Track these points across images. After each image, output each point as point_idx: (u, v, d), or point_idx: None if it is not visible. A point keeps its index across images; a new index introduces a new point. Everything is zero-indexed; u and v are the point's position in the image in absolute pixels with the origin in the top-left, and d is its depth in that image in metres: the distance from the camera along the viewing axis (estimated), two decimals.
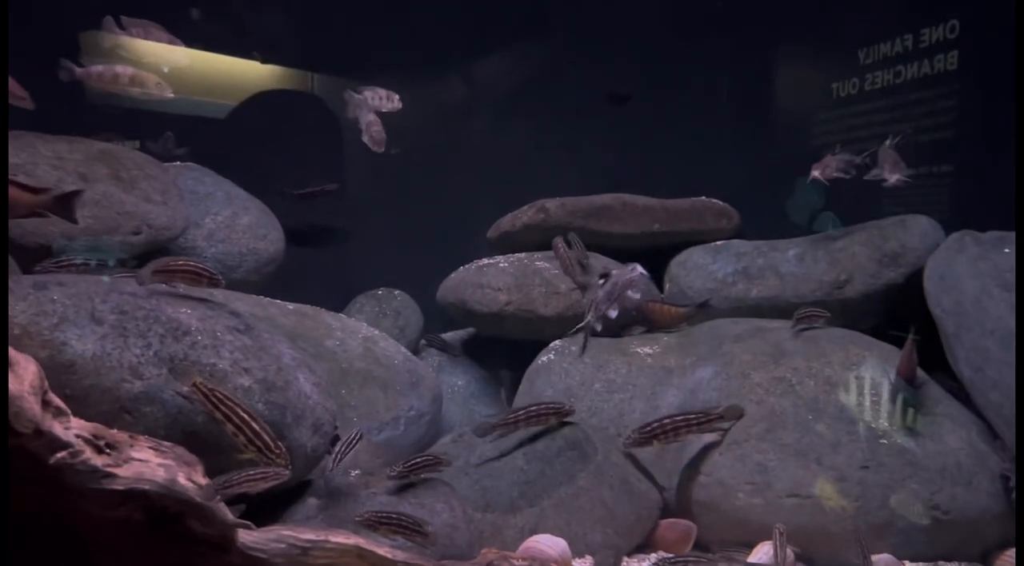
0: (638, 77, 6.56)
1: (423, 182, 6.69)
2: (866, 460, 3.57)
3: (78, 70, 3.20)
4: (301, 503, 2.82)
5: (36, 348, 2.30)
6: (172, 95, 3.43)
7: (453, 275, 5.55)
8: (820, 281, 4.79)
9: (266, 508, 2.78)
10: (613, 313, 4.59)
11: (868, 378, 3.90)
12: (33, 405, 1.93)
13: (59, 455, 2.07)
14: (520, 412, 3.77)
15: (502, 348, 5.64)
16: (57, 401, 2.03)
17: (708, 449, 3.80)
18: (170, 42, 3.00)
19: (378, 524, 2.62)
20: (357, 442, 2.99)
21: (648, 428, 3.74)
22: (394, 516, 2.65)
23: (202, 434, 2.43)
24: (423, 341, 6.00)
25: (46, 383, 1.99)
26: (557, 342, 4.93)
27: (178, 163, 5.20)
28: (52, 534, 2.25)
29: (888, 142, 4.55)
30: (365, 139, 4.26)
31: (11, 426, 1.90)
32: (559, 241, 5.27)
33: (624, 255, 5.32)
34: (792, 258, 4.98)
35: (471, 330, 6.00)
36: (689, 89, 6.66)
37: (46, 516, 2.21)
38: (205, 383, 2.37)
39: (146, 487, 2.18)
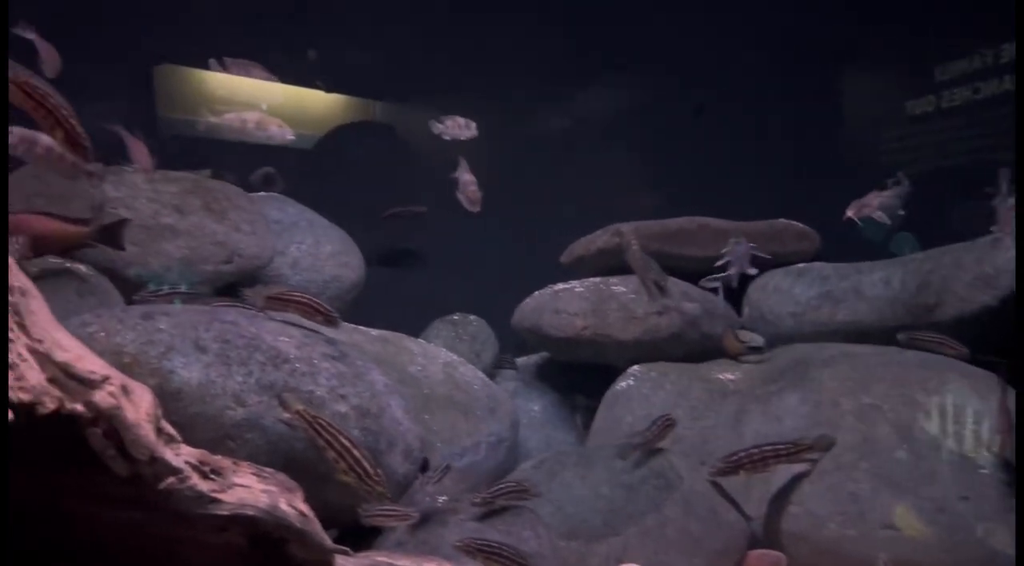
0: (713, 97, 6.53)
1: (496, 207, 6.76)
2: (965, 491, 3.45)
3: (213, 119, 3.37)
4: (391, 529, 2.86)
5: (145, 376, 2.39)
6: (293, 137, 3.57)
7: (528, 300, 5.58)
8: (909, 304, 4.66)
9: (357, 533, 2.83)
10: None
11: (964, 406, 3.78)
12: (149, 433, 2.01)
13: (168, 481, 2.15)
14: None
15: (577, 373, 5.63)
16: (169, 428, 2.11)
17: (797, 478, 3.72)
18: (268, 79, 3.14)
19: (478, 552, 2.64)
20: (447, 472, 3.02)
21: (735, 458, 3.68)
22: (495, 545, 2.67)
23: (301, 460, 2.50)
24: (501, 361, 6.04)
25: (160, 411, 2.07)
26: (636, 367, 4.91)
27: (263, 193, 5.36)
28: (154, 560, 2.33)
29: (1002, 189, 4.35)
30: (461, 198, 4.33)
31: (129, 453, 1.98)
32: (632, 237, 5.19)
33: (699, 278, 5.27)
34: (878, 281, 4.87)
35: (545, 355, 6.01)
36: (764, 109, 6.60)
37: (148, 541, 2.29)
38: (308, 410, 2.43)
39: (249, 512, 2.24)
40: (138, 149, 3.42)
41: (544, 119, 7.15)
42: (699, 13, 6.55)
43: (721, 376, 4.66)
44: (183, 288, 3.51)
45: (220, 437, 2.44)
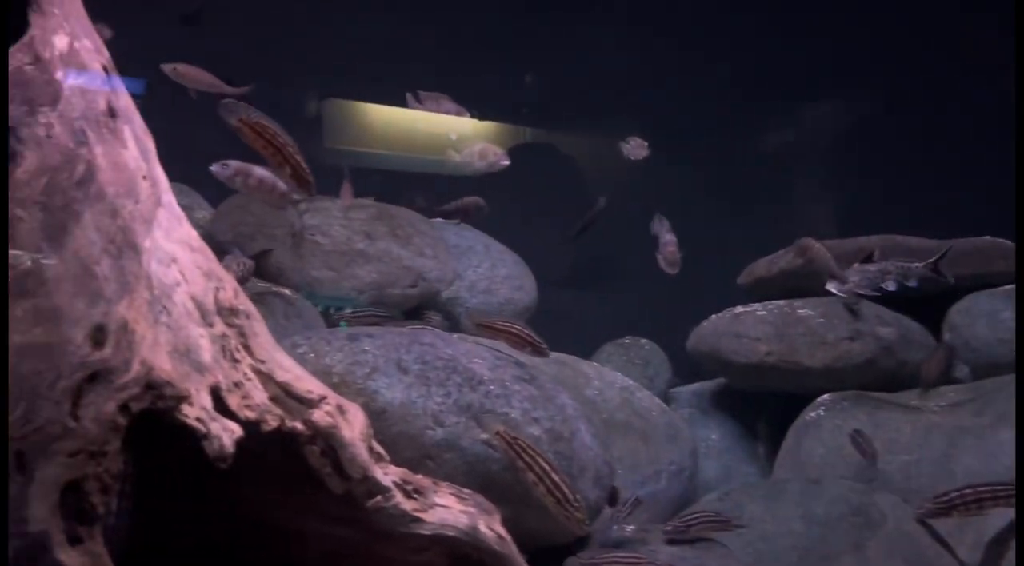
0: (906, 107, 6.20)
1: (678, 222, 6.68)
2: None
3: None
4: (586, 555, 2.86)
5: (352, 396, 2.53)
6: (508, 163, 3.72)
7: (705, 323, 5.45)
8: None
9: (547, 561, 2.85)
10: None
11: None
12: (363, 452, 2.11)
13: (375, 499, 2.24)
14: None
15: (758, 401, 5.45)
16: (378, 447, 2.21)
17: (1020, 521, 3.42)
18: (458, 113, 3.28)
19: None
20: (637, 506, 3.00)
21: (946, 498, 3.42)
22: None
23: (497, 482, 2.55)
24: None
25: (371, 430, 2.17)
26: (826, 396, 4.69)
27: (440, 220, 5.55)
28: None
29: None
30: (659, 258, 4.30)
31: (344, 471, 2.09)
32: (810, 242, 4.98)
33: (892, 302, 4.98)
34: None
35: (721, 381, 5.85)
36: (965, 116, 6.18)
37: (357, 560, 2.40)
38: (508, 431, 2.48)
39: (450, 533, 2.31)
40: (346, 186, 3.69)
41: (722, 138, 7.01)
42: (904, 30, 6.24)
43: (923, 405, 4.37)
44: (373, 311, 3.69)
45: (420, 457, 2.54)
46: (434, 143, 4.24)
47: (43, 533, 1.61)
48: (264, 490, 2.28)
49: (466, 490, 2.41)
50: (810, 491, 3.73)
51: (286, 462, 2.17)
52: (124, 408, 1.73)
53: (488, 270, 5.31)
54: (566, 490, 2.47)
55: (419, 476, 2.40)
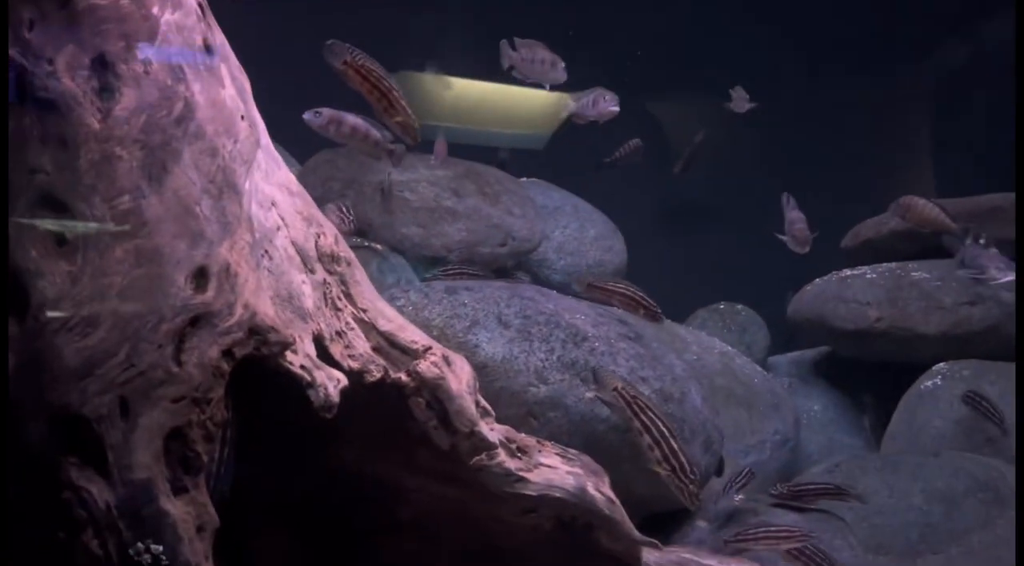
0: None
1: (765, 185, 6.44)
2: None
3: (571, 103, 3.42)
4: (690, 525, 2.75)
5: (452, 350, 2.45)
6: (618, 109, 3.56)
7: (809, 288, 5.23)
8: None
9: (652, 527, 2.74)
10: None
11: None
12: (470, 405, 2.03)
13: (478, 457, 2.17)
14: None
15: (863, 370, 5.22)
16: (484, 402, 2.13)
17: None
18: (553, 62, 3.14)
19: (797, 556, 2.46)
20: (750, 479, 2.87)
21: None
22: (812, 551, 2.47)
23: (603, 444, 2.45)
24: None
25: (477, 383, 2.09)
26: (943, 365, 4.45)
27: (525, 178, 5.44)
28: (467, 538, 2.36)
29: None
30: (787, 238, 4.19)
31: (452, 425, 2.01)
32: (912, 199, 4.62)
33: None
34: None
35: (824, 349, 5.62)
36: None
37: (462, 520, 2.33)
38: (628, 388, 2.36)
39: (557, 494, 2.22)
40: (440, 143, 3.67)
41: (825, 87, 6.67)
42: None
43: None
44: (465, 268, 3.61)
45: (523, 415, 2.45)
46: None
47: (147, 481, 1.58)
48: (365, 444, 2.23)
49: (572, 450, 2.31)
50: (929, 464, 3.53)
51: (389, 415, 2.11)
52: (228, 353, 1.68)
53: (577, 231, 5.18)
54: (683, 459, 2.33)
55: (523, 435, 2.31)
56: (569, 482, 2.23)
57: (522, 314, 2.60)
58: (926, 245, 4.94)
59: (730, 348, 4.72)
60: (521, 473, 2.21)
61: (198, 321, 1.66)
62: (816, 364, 5.60)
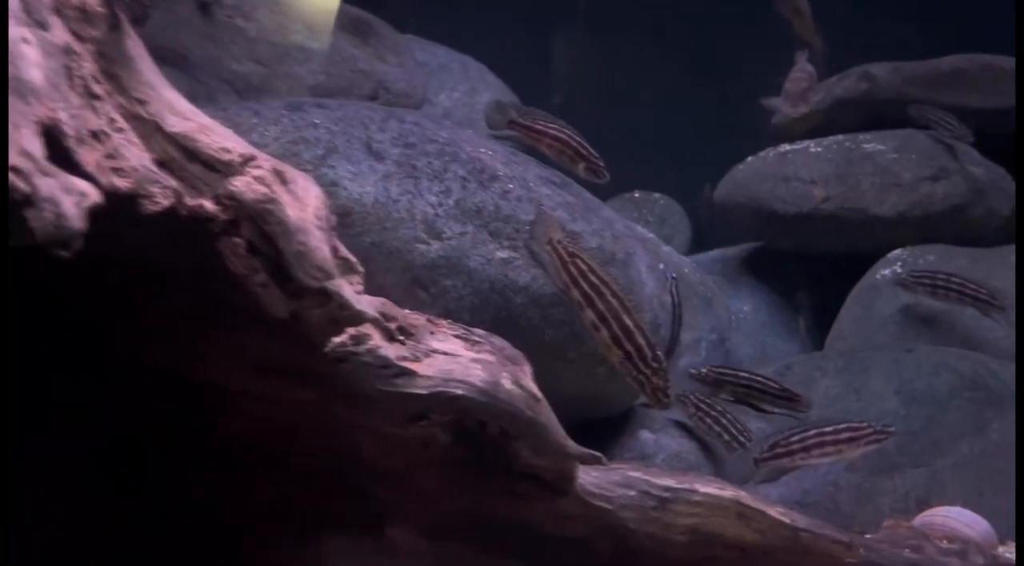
0: None
1: (683, 54, 5.92)
2: None
3: None
4: (631, 436, 2.20)
5: None
6: None
7: (741, 167, 4.76)
8: None
9: (583, 438, 2.19)
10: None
11: None
12: (322, 245, 1.36)
13: (339, 338, 1.52)
14: None
15: (798, 266, 4.85)
16: (344, 250, 1.47)
17: None
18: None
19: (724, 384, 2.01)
20: None
21: None
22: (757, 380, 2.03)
23: (521, 323, 1.83)
24: None
25: (332, 216, 1.42)
26: (901, 251, 4.07)
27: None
28: (319, 460, 1.73)
29: None
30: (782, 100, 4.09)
31: (292, 275, 1.34)
32: None
33: (987, 141, 4.32)
34: None
35: (756, 245, 5.21)
36: None
37: (316, 434, 1.69)
38: (567, 243, 1.71)
39: (458, 391, 1.61)
40: None
41: None
42: None
43: None
44: None
45: (407, 283, 1.80)
46: None
47: None
48: (161, 325, 1.55)
49: (479, 330, 1.70)
50: (903, 361, 3.13)
51: (195, 274, 1.43)
52: None
53: (466, 95, 4.49)
54: (641, 340, 1.73)
55: (406, 311, 1.67)
56: (476, 374, 1.62)
57: (403, 141, 1.88)
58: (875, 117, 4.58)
59: (651, 235, 4.22)
60: (404, 364, 1.58)
61: None
62: (744, 261, 5.20)
